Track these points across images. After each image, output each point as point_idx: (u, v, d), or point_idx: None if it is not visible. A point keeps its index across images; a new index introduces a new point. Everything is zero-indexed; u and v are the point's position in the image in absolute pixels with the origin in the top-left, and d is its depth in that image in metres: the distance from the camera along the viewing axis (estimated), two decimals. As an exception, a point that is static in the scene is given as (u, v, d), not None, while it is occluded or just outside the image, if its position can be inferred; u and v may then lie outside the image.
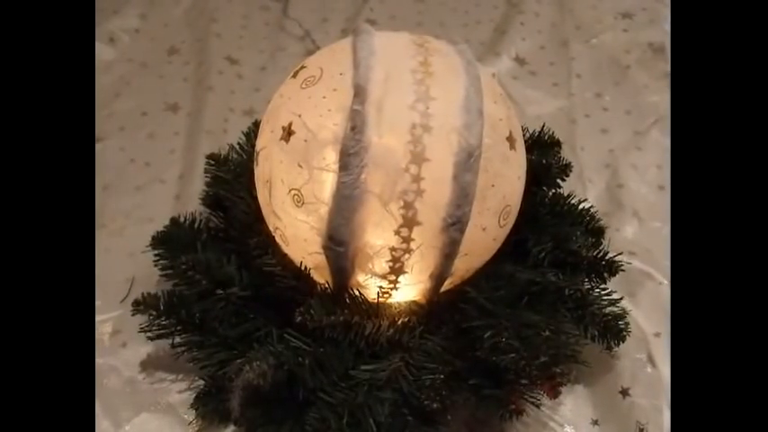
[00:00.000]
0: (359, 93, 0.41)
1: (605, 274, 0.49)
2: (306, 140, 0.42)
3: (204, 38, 0.79)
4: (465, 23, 0.87)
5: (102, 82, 0.73)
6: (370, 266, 0.43)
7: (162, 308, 0.46)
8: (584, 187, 0.66)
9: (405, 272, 0.43)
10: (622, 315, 0.48)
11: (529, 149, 0.57)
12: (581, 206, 0.55)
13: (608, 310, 0.48)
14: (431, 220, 0.41)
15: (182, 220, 0.54)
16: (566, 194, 0.55)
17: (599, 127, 0.73)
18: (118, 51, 0.77)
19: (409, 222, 0.41)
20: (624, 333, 0.47)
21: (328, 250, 0.42)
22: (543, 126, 0.58)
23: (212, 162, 0.55)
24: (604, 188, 0.66)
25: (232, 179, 0.52)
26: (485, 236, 0.44)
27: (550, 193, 0.55)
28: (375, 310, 0.45)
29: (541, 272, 0.48)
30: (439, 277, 0.44)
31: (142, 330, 0.46)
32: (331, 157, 0.41)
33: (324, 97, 0.42)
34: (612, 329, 0.47)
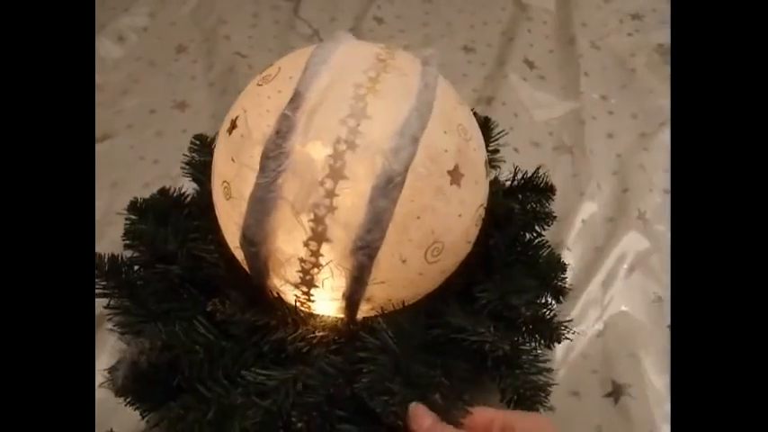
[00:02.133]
0: (295, 98, 0.40)
1: (544, 340, 0.45)
2: (242, 136, 0.42)
3: (213, 37, 0.81)
4: (472, 24, 0.86)
5: (111, 80, 0.77)
6: (283, 273, 0.43)
7: (106, 269, 0.48)
8: (594, 191, 0.66)
9: (316, 285, 0.42)
10: (544, 387, 0.43)
11: (516, 191, 0.54)
12: (558, 260, 0.51)
13: (532, 378, 0.43)
14: (341, 238, 0.40)
15: (171, 192, 0.57)
16: (543, 243, 0.52)
17: (605, 131, 0.73)
18: (126, 49, 0.80)
19: (318, 237, 0.40)
20: (538, 406, 0.43)
21: (244, 248, 0.42)
22: (538, 168, 0.54)
23: (197, 143, 0.57)
24: (610, 194, 0.66)
25: (206, 161, 0.54)
26: (405, 268, 0.42)
27: (528, 239, 0.52)
28: (294, 317, 0.45)
29: (475, 320, 0.45)
30: (350, 299, 0.43)
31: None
32: (257, 156, 0.41)
33: (268, 97, 0.42)
34: (526, 400, 0.43)
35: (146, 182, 0.65)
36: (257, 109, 0.42)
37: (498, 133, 0.59)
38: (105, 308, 0.48)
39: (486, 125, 0.60)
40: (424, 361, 0.43)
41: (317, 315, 0.47)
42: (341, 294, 0.42)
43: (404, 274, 0.43)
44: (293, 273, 0.42)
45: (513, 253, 0.50)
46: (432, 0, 0.89)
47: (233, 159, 0.42)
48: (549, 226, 0.52)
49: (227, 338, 0.44)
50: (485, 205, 0.46)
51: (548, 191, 0.53)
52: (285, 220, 0.40)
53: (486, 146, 0.58)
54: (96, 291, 0.48)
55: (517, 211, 0.47)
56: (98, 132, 0.70)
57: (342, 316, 0.46)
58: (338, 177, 0.39)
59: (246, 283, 0.46)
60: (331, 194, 0.39)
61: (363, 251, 0.40)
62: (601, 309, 0.57)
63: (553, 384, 0.44)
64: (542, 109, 0.75)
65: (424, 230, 0.41)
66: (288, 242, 0.41)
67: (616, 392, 0.51)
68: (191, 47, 0.81)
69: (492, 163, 0.59)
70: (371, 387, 0.40)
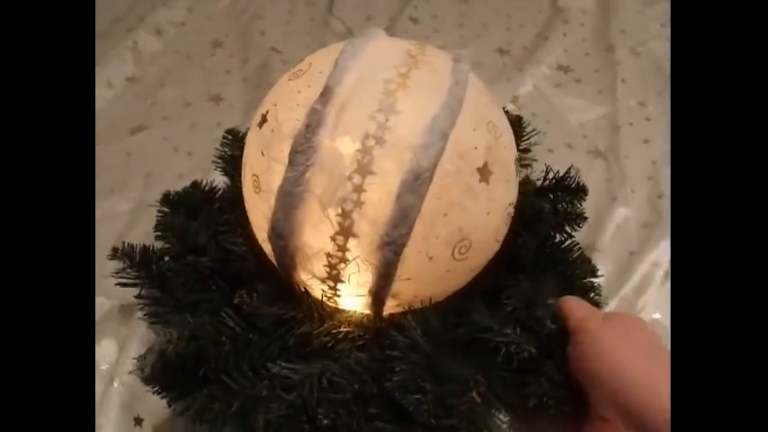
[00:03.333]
0: (325, 93, 0.40)
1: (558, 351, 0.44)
2: (272, 130, 0.42)
3: (248, 32, 0.82)
4: (508, 27, 0.85)
5: (148, 72, 0.78)
6: (310, 267, 0.43)
7: (137, 259, 0.49)
8: (626, 195, 0.66)
9: (342, 281, 0.42)
10: (568, 399, 0.42)
11: (547, 190, 0.53)
12: (588, 262, 0.50)
13: (555, 389, 0.43)
14: (367, 234, 0.40)
15: (203, 185, 0.58)
16: (574, 246, 0.51)
17: (642, 137, 0.72)
18: (164, 43, 0.81)
19: (345, 232, 0.40)
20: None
21: (272, 241, 0.43)
22: (570, 168, 0.53)
23: (229, 137, 0.57)
24: (646, 199, 0.66)
25: (237, 156, 0.54)
26: (432, 265, 0.42)
27: (558, 240, 0.51)
28: (320, 312, 0.45)
29: (501, 321, 0.44)
30: (377, 295, 0.42)
31: (114, 276, 0.50)
32: (287, 150, 0.41)
33: (299, 91, 0.42)
34: (549, 409, 0.42)
35: (179, 173, 0.66)
36: (287, 103, 0.42)
37: (530, 132, 0.58)
38: (136, 297, 0.49)
39: (518, 123, 0.59)
40: (456, 359, 0.43)
41: (344, 310, 0.47)
42: (367, 290, 0.42)
43: (431, 272, 0.42)
44: (320, 267, 0.42)
45: (542, 254, 0.49)
46: (468, 1, 0.89)
47: (263, 153, 0.42)
48: (579, 227, 0.51)
49: (254, 331, 0.45)
50: (514, 204, 0.45)
51: (579, 191, 0.52)
52: (312, 215, 0.40)
53: (518, 144, 0.58)
54: (127, 280, 0.49)
55: (547, 211, 0.47)
56: (133, 123, 0.72)
57: (368, 312, 0.46)
58: (366, 173, 0.39)
59: (274, 277, 0.46)
60: (359, 189, 0.39)
61: (390, 247, 0.40)
62: (633, 314, 0.56)
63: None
64: (577, 112, 0.75)
65: (451, 228, 0.41)
66: (315, 236, 0.41)
67: None
68: (226, 42, 0.82)
69: (523, 162, 0.58)
70: (403, 386, 0.40)
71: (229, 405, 0.40)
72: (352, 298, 0.44)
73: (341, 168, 0.39)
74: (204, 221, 0.51)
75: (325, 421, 0.39)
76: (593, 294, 0.49)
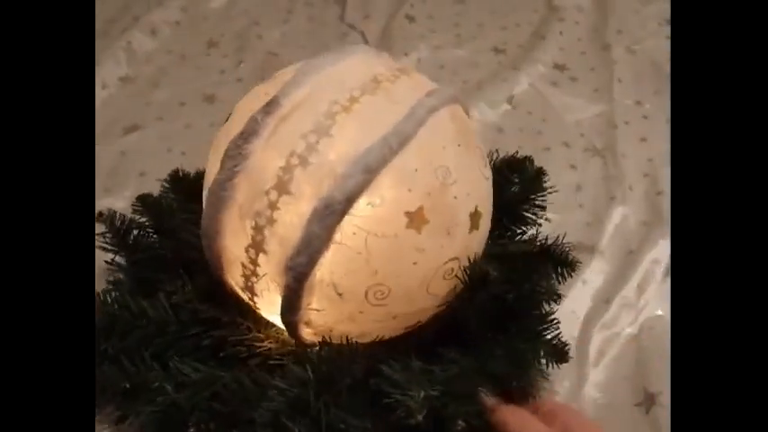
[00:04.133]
0: (270, 103, 0.39)
1: None
2: (225, 131, 0.42)
3: (244, 32, 0.81)
4: (503, 26, 0.85)
5: (142, 72, 0.78)
6: (232, 273, 0.42)
7: (115, 225, 0.52)
8: (625, 193, 0.65)
9: (256, 294, 0.41)
10: None
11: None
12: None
13: None
14: (275, 253, 0.38)
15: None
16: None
17: (639, 135, 0.71)
18: (158, 42, 0.81)
19: (257, 246, 0.39)
20: None
21: (202, 239, 0.43)
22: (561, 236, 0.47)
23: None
24: (644, 197, 0.65)
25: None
26: (342, 303, 0.39)
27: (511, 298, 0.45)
28: (240, 319, 0.45)
29: (414, 380, 0.41)
30: (286, 318, 0.41)
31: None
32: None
33: (257, 97, 0.41)
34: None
35: (187, 171, 0.67)
36: (248, 106, 0.42)
37: (546, 187, 0.53)
38: (107, 262, 0.52)
39: (538, 176, 0.54)
40: (350, 408, 0.40)
41: (273, 325, 0.46)
42: (278, 310, 0.41)
43: (341, 308, 0.40)
44: (238, 276, 0.41)
45: (493, 316, 0.44)
46: (464, 1, 0.88)
47: (212, 151, 0.43)
48: (555, 302, 0.45)
49: (179, 324, 0.45)
50: (466, 260, 0.41)
51: (567, 265, 0.46)
52: (233, 221, 0.40)
53: (530, 198, 0.53)
54: (105, 245, 0.51)
55: (493, 278, 0.42)
56: (128, 123, 0.72)
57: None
58: (283, 191, 0.38)
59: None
60: (273, 206, 0.38)
61: (292, 273, 0.38)
62: (636, 312, 0.56)
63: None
64: (573, 110, 0.74)
65: (366, 269, 0.38)
66: (234, 243, 0.40)
67: (647, 401, 0.50)
68: (221, 42, 0.82)
69: (528, 218, 0.53)
70: (271, 421, 0.38)
71: (117, 385, 0.41)
72: (270, 316, 0.43)
73: (262, 181, 0.38)
74: (180, 206, 0.52)
75: (192, 430, 0.39)
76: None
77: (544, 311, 0.46)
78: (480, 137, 0.51)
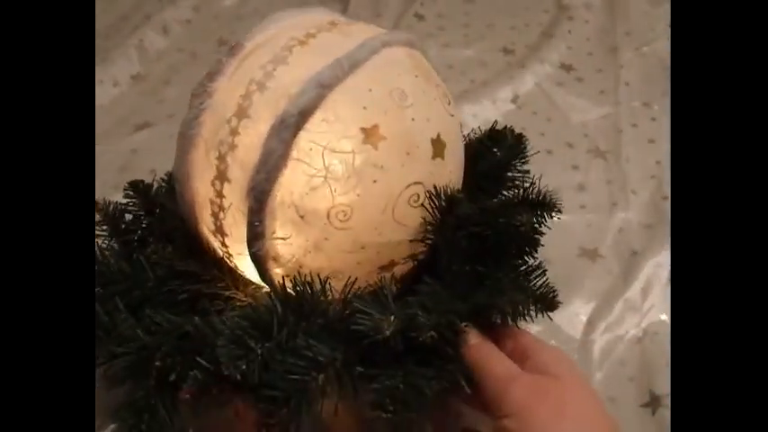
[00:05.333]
0: (235, 47, 0.42)
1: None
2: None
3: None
4: (513, 26, 0.85)
5: (153, 70, 0.79)
6: (203, 217, 0.43)
7: (110, 214, 0.53)
8: (627, 198, 0.65)
9: (226, 234, 0.42)
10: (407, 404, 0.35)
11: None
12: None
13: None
14: (238, 179, 0.39)
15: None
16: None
17: (646, 137, 0.71)
18: (169, 41, 0.83)
19: (221, 176, 0.40)
20: None
21: (175, 187, 0.44)
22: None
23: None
24: (649, 200, 0.64)
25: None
26: (306, 227, 0.39)
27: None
28: (215, 270, 0.45)
29: (381, 307, 0.39)
30: (254, 253, 0.41)
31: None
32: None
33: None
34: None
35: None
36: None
37: (525, 152, 0.53)
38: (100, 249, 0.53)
39: (517, 142, 0.54)
40: (318, 338, 0.39)
41: (252, 283, 0.45)
42: (245, 246, 0.41)
43: (306, 234, 0.40)
44: (208, 217, 0.42)
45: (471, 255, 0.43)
46: (474, 1, 0.90)
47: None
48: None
49: (157, 278, 0.45)
50: (426, 187, 0.41)
51: (548, 207, 0.45)
52: (200, 158, 0.41)
53: (512, 163, 0.53)
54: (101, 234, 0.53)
55: (465, 211, 0.41)
56: (139, 120, 0.73)
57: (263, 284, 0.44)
58: (243, 116, 0.39)
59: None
60: (234, 132, 0.39)
61: (254, 192, 0.38)
62: (640, 316, 0.55)
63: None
64: (578, 111, 0.75)
65: (324, 187, 0.38)
66: (201, 182, 0.41)
67: (654, 403, 0.49)
68: (232, 40, 0.85)
69: (511, 182, 0.52)
70: (232, 338, 0.37)
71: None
72: (242, 258, 0.43)
73: (225, 111, 0.40)
74: (172, 192, 0.53)
75: (157, 363, 0.38)
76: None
77: (532, 258, 0.45)
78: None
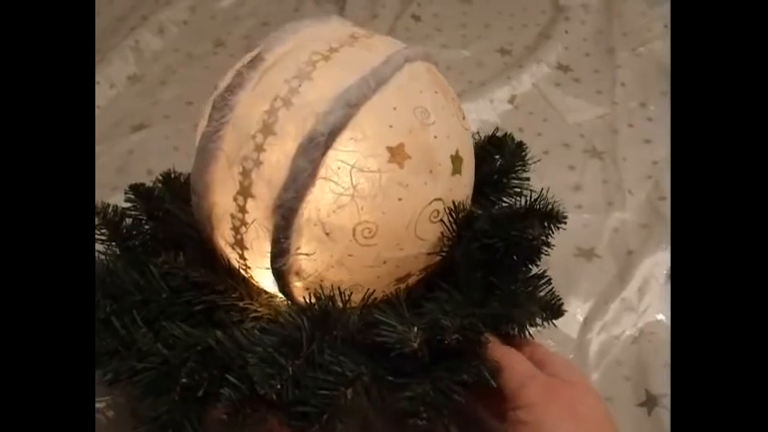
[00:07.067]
0: (254, 59, 0.42)
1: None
2: (215, 87, 0.44)
3: (251, 32, 0.83)
4: (510, 26, 0.86)
5: (150, 71, 0.78)
6: (222, 230, 0.43)
7: (108, 217, 0.52)
8: (624, 198, 0.65)
9: (246, 247, 0.42)
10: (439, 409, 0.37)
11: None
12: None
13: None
14: (263, 196, 0.39)
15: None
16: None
17: (643, 137, 0.72)
18: (166, 42, 0.82)
19: (245, 191, 0.40)
20: None
21: (192, 198, 0.43)
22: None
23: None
24: (645, 200, 0.65)
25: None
26: (331, 243, 0.40)
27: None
28: (236, 286, 0.45)
29: (403, 320, 0.40)
30: (276, 268, 0.41)
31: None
32: (212, 108, 0.42)
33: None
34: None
35: (179, 172, 0.69)
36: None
37: (527, 160, 0.55)
38: (101, 253, 0.52)
39: (518, 149, 0.56)
40: (342, 352, 0.40)
41: (266, 292, 0.46)
42: (268, 261, 0.41)
43: (330, 251, 0.40)
44: (227, 231, 0.42)
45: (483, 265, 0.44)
46: (471, 1, 0.91)
47: (201, 119, 0.44)
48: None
49: (171, 290, 0.45)
50: (445, 203, 0.42)
51: (554, 218, 0.47)
52: (221, 172, 0.41)
53: (513, 170, 0.54)
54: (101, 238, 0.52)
55: (481, 227, 0.42)
56: (135, 121, 0.73)
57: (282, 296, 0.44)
58: (269, 133, 0.39)
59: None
60: (259, 149, 0.39)
61: (281, 210, 0.39)
62: (636, 316, 0.56)
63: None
64: (575, 112, 0.75)
65: (351, 205, 0.39)
66: (222, 195, 0.41)
67: (650, 403, 0.50)
68: (229, 41, 0.83)
69: (512, 189, 0.54)
70: (264, 358, 0.38)
71: (108, 348, 0.40)
72: (260, 271, 0.43)
73: (248, 127, 0.40)
74: (173, 195, 0.53)
75: (184, 379, 0.38)
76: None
77: (536, 266, 0.46)
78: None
